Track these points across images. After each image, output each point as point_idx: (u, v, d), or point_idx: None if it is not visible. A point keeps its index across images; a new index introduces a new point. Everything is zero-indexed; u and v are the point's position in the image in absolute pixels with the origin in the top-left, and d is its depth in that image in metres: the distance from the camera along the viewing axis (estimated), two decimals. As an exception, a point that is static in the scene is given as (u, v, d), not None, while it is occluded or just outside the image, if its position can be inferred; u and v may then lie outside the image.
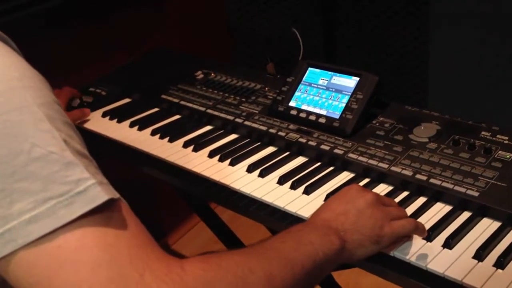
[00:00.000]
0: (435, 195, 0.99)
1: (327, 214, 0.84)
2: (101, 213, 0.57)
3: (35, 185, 0.55)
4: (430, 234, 0.89)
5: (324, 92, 1.24)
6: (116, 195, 0.60)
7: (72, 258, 0.55)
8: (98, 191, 0.57)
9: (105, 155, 1.43)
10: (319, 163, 1.13)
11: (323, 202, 1.00)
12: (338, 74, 1.24)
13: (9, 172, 0.54)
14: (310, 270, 0.73)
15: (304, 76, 1.28)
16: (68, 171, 0.56)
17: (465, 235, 0.89)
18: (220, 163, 1.16)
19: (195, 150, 1.22)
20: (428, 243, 0.88)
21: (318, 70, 1.28)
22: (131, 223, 0.60)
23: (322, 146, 1.14)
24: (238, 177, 1.10)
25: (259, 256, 0.69)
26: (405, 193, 1.01)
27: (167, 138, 1.27)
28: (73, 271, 0.55)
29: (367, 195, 0.86)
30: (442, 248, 0.86)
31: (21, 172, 0.55)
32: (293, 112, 1.25)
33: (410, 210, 0.96)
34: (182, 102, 1.41)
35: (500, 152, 1.04)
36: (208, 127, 1.32)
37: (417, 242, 0.88)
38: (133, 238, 0.59)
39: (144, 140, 1.29)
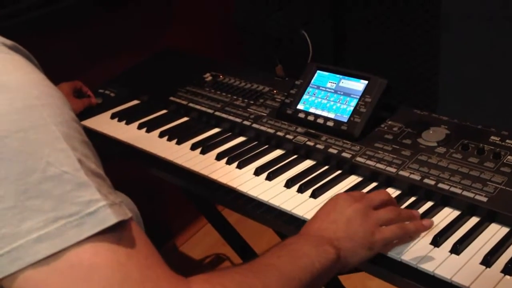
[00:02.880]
0: (443, 200, 0.98)
1: (318, 224, 0.84)
2: (113, 233, 0.57)
3: (47, 204, 0.55)
4: (437, 239, 0.88)
5: (333, 95, 1.24)
6: (127, 215, 0.60)
7: (84, 278, 0.55)
8: (108, 213, 0.57)
9: (113, 156, 1.44)
10: (326, 167, 1.13)
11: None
12: (346, 77, 1.24)
13: (22, 190, 0.55)
14: (307, 282, 0.74)
15: (313, 79, 1.28)
16: (80, 191, 0.57)
17: (473, 240, 0.88)
18: (227, 165, 1.16)
19: (203, 152, 1.22)
20: (436, 248, 0.87)
21: (326, 73, 1.27)
22: (141, 243, 0.60)
23: (330, 150, 1.14)
24: (245, 180, 1.10)
25: (258, 274, 0.70)
26: (413, 198, 1.01)
27: (175, 140, 1.28)
28: None
29: (355, 203, 0.86)
30: (449, 253, 0.86)
31: (33, 190, 0.55)
32: (301, 115, 1.25)
33: (417, 214, 0.96)
34: (191, 104, 1.41)
35: (509, 157, 1.03)
36: (216, 130, 1.32)
37: (425, 247, 0.88)
38: (143, 259, 0.59)
39: (152, 142, 1.29)
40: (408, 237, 0.88)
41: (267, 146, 1.22)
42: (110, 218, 0.57)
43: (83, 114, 1.43)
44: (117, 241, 0.57)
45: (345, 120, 1.19)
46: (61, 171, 0.56)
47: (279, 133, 1.23)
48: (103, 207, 0.57)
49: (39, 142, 0.57)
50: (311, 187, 1.06)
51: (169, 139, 1.29)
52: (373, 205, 0.88)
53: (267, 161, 1.16)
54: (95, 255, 0.56)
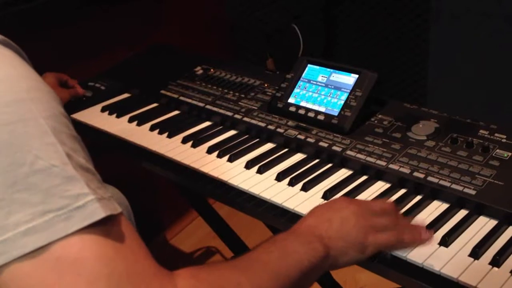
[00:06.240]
0: (432, 193, 0.99)
1: (311, 220, 0.84)
2: (101, 227, 0.57)
3: (35, 197, 0.55)
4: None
5: (323, 89, 1.24)
6: (116, 210, 0.60)
7: (70, 271, 0.55)
8: (97, 208, 0.57)
9: (104, 150, 1.44)
10: (317, 160, 1.13)
11: (320, 199, 1.01)
12: (337, 71, 1.25)
13: (10, 183, 0.55)
14: (296, 279, 0.74)
15: (304, 73, 1.29)
16: (68, 185, 0.57)
17: (461, 233, 0.89)
18: (218, 159, 1.17)
19: (194, 146, 1.22)
20: (425, 240, 0.88)
21: (317, 67, 1.28)
22: (130, 237, 0.60)
23: (321, 143, 1.15)
24: (236, 173, 1.11)
25: (246, 269, 0.70)
26: (402, 191, 1.02)
27: (166, 134, 1.28)
28: (71, 283, 0.55)
29: (353, 205, 0.85)
30: (438, 246, 0.87)
31: (22, 183, 0.55)
32: (292, 109, 1.25)
33: (407, 207, 0.97)
34: (181, 98, 1.41)
35: (497, 150, 1.04)
36: (207, 123, 1.32)
37: (414, 239, 0.88)
38: (131, 253, 0.59)
39: (143, 135, 1.29)
40: (403, 246, 0.86)
41: (258, 139, 1.22)
42: (98, 212, 0.57)
43: (73, 107, 1.43)
44: (105, 235, 0.57)
45: (336, 114, 1.19)
46: (50, 164, 0.56)
47: (270, 127, 1.23)
48: (91, 201, 0.57)
49: (27, 135, 0.56)
50: (302, 180, 1.06)
51: (160, 133, 1.29)
52: (372, 211, 0.86)
53: (258, 154, 1.17)
54: (83, 249, 0.56)
